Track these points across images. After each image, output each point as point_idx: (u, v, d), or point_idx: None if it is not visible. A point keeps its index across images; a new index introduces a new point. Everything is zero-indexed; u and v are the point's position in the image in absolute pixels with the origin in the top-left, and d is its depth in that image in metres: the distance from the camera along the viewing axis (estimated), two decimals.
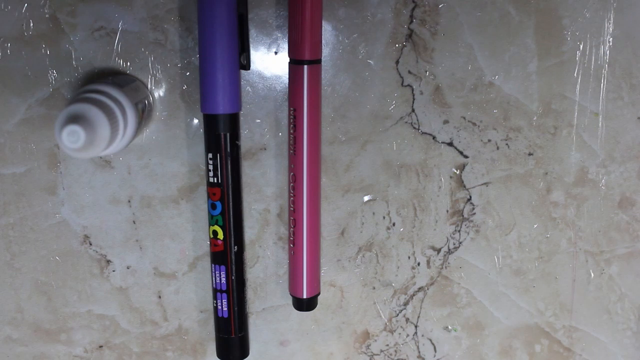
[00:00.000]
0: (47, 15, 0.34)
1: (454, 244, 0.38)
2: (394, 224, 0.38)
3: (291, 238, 0.36)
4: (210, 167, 0.33)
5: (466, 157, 0.37)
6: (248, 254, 0.38)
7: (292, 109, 0.34)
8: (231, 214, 0.34)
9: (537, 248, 0.38)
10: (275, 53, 0.35)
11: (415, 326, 0.39)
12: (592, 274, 0.39)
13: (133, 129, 0.31)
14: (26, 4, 0.34)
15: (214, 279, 0.35)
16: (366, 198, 0.37)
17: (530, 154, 0.37)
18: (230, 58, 0.32)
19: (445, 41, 0.35)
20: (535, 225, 0.38)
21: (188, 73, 0.35)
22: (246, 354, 0.37)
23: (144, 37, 0.34)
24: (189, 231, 0.37)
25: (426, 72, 0.35)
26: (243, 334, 0.36)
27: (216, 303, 0.36)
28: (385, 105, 0.36)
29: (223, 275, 0.35)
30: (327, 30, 0.35)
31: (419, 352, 0.40)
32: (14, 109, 0.35)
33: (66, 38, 0.34)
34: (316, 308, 0.38)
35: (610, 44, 0.35)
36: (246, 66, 0.34)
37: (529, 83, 0.36)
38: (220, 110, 0.33)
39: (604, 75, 0.36)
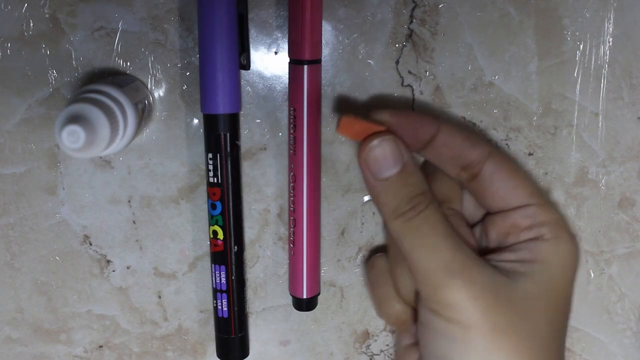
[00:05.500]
0: (47, 15, 0.34)
1: None
2: None
3: (291, 238, 0.36)
4: (210, 167, 0.33)
5: None
6: (248, 254, 0.38)
7: (292, 109, 0.34)
8: (231, 214, 0.34)
9: None
10: (275, 53, 0.35)
11: None
12: (592, 274, 0.39)
13: (133, 129, 0.31)
14: (26, 4, 0.34)
15: (214, 279, 0.35)
16: (366, 198, 0.37)
17: (530, 154, 0.37)
18: (230, 58, 0.32)
19: (445, 41, 0.35)
20: None
21: (188, 73, 0.35)
22: (246, 354, 0.37)
23: (144, 37, 0.34)
24: (189, 231, 0.37)
25: (426, 72, 0.35)
26: (243, 334, 0.36)
27: (216, 303, 0.36)
28: (386, 105, 0.36)
29: (223, 275, 0.35)
30: (327, 30, 0.35)
31: None
32: (14, 109, 0.35)
33: (66, 38, 0.34)
34: (316, 308, 0.38)
35: (610, 44, 0.35)
36: (246, 66, 0.34)
37: (529, 83, 0.36)
38: (220, 110, 0.33)
39: (604, 75, 0.36)
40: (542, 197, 0.31)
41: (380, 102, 0.36)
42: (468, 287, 0.28)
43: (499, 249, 0.31)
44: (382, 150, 0.29)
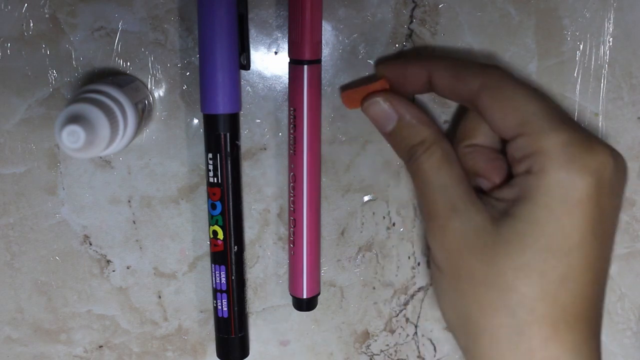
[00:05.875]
0: (47, 15, 0.34)
1: None
2: (394, 224, 0.38)
3: (291, 238, 0.36)
4: (210, 167, 0.33)
5: None
6: (248, 254, 0.38)
7: (292, 109, 0.34)
8: (231, 214, 0.34)
9: None
10: (275, 53, 0.35)
11: (415, 326, 0.39)
12: None
13: (133, 129, 0.31)
14: (26, 4, 0.34)
15: (214, 279, 0.35)
16: (366, 198, 0.37)
17: None
18: (230, 58, 0.32)
19: (445, 41, 0.35)
20: None
21: (188, 73, 0.35)
22: (246, 354, 0.37)
23: (144, 37, 0.34)
24: (189, 231, 0.37)
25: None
26: (243, 334, 0.36)
27: (216, 303, 0.36)
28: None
29: (223, 275, 0.35)
30: (327, 30, 0.35)
31: (419, 352, 0.40)
32: (14, 109, 0.35)
33: (66, 38, 0.34)
34: (316, 308, 0.38)
35: (610, 44, 0.35)
36: (246, 66, 0.34)
37: (529, 83, 0.36)
38: (220, 110, 0.33)
39: (604, 75, 0.36)
40: (537, 124, 0.28)
41: None
42: (439, 234, 0.30)
43: (506, 184, 0.30)
44: (374, 111, 0.33)
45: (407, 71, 0.32)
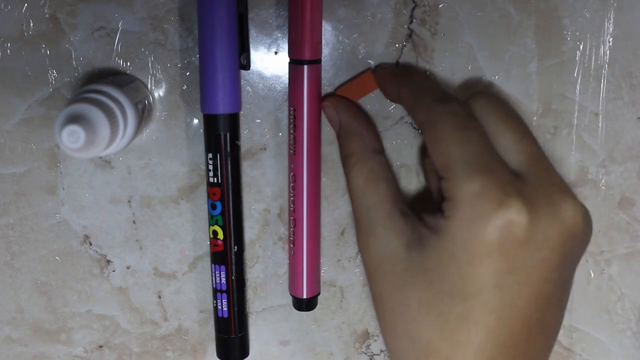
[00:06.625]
0: (47, 15, 0.34)
1: None
2: None
3: (291, 238, 0.36)
4: (210, 167, 0.34)
5: None
6: (248, 254, 0.38)
7: (292, 109, 0.34)
8: (231, 214, 0.34)
9: None
10: (275, 53, 0.35)
11: None
12: (592, 274, 0.38)
13: (133, 129, 0.31)
14: (26, 4, 0.34)
15: (214, 279, 0.35)
16: None
17: None
18: (230, 58, 0.32)
19: (445, 41, 0.35)
20: None
21: (188, 73, 0.35)
22: (246, 354, 0.37)
23: (144, 37, 0.34)
24: (189, 231, 0.37)
25: (426, 72, 0.35)
26: (243, 334, 0.36)
27: (216, 303, 0.36)
28: (385, 105, 0.36)
29: (223, 275, 0.35)
30: (327, 30, 0.35)
31: None
32: (14, 109, 0.35)
33: (66, 38, 0.34)
34: (316, 308, 0.38)
35: (610, 44, 0.35)
36: (246, 66, 0.34)
37: (529, 83, 0.36)
38: (220, 110, 0.33)
39: (604, 75, 0.36)
40: (455, 170, 0.28)
41: (380, 101, 0.36)
42: (361, 252, 0.32)
43: (436, 211, 0.30)
44: (325, 114, 0.35)
45: (386, 83, 0.34)
